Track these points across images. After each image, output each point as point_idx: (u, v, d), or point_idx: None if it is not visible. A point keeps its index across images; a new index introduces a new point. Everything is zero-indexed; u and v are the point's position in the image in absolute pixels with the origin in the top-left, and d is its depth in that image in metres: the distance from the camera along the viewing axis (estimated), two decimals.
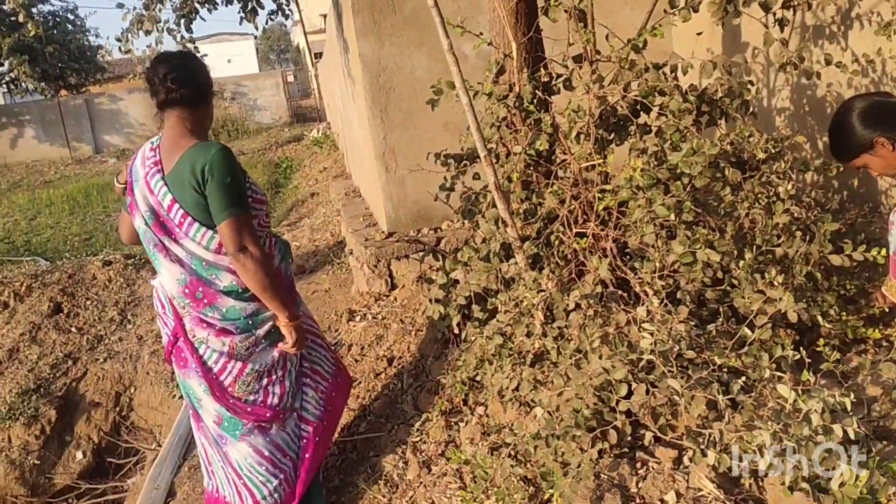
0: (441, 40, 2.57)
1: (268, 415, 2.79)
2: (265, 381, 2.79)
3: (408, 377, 3.72)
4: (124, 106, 22.47)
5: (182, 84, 2.53)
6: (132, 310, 5.50)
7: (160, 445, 4.26)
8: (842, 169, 2.72)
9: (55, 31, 22.93)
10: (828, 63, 3.14)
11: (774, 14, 3.11)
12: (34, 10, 22.63)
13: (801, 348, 2.24)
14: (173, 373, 4.72)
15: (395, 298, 4.55)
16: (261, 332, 2.73)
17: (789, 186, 2.54)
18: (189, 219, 2.54)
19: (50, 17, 23.47)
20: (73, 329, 5.30)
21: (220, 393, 2.72)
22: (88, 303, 5.57)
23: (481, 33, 3.10)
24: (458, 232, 4.69)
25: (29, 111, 22.13)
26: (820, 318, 2.48)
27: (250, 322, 2.70)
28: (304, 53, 27.30)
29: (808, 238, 2.57)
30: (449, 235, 4.67)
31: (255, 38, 42.98)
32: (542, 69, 3.08)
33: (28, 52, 21.18)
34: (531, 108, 3.00)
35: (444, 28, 2.56)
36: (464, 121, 2.82)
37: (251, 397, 2.76)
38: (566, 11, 2.99)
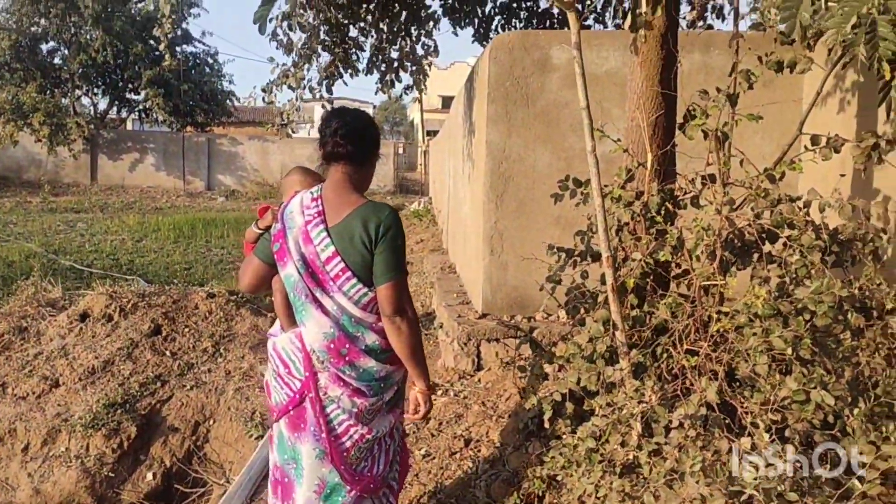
0: (586, 142, 2.65)
1: (372, 485, 2.68)
2: (375, 449, 2.71)
3: (483, 463, 3.67)
4: (242, 150, 23.71)
5: (349, 141, 2.53)
6: (226, 344, 5.64)
7: (229, 482, 4.30)
8: None
9: (193, 72, 24.49)
10: None
11: None
12: (178, 48, 24.34)
13: None
14: (253, 412, 4.84)
15: (480, 380, 4.54)
16: (387, 396, 2.67)
17: None
18: (348, 273, 2.49)
19: (191, 58, 25.10)
20: (167, 352, 5.46)
21: (337, 457, 2.60)
22: (186, 330, 5.74)
23: (619, 139, 3.17)
24: (552, 325, 4.68)
25: (154, 140, 23.58)
26: None
27: (381, 385, 2.64)
28: (417, 129, 28.17)
29: None
30: (542, 327, 4.67)
31: (374, 107, 44.56)
32: (673, 183, 3.12)
33: (165, 86, 22.72)
34: (657, 217, 3.02)
35: (591, 131, 2.64)
36: (576, 217, 2.85)
37: (361, 465, 2.66)
38: (703, 132, 3.04)
